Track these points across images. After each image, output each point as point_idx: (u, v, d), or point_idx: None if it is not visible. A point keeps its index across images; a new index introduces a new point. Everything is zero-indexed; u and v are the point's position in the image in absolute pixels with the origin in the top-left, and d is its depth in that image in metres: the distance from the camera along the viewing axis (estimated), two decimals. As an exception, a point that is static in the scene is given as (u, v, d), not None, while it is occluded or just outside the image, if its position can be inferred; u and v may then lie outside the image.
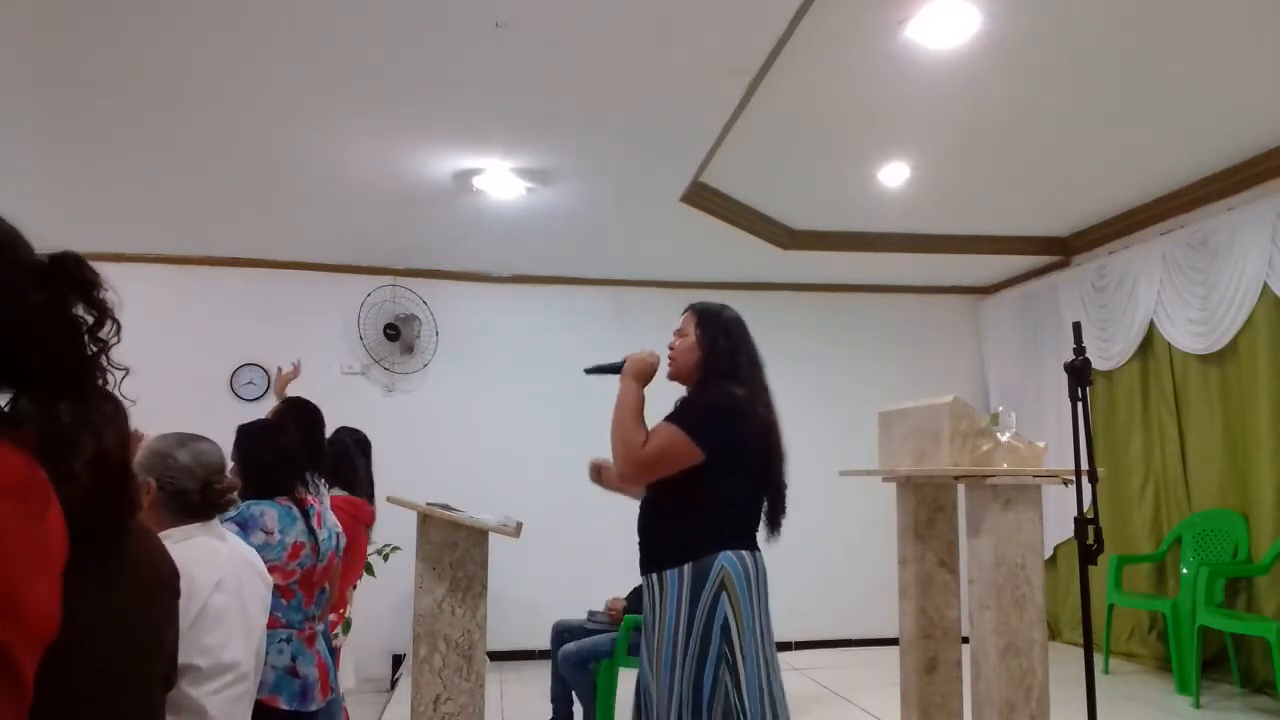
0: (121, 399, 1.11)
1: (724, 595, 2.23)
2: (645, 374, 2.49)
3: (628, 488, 2.57)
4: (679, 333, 2.54)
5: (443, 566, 2.88)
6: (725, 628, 2.22)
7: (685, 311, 2.57)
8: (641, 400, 2.45)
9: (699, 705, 2.19)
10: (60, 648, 1.16)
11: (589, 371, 2.64)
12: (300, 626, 2.39)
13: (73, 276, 1.03)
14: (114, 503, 1.32)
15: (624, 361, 2.51)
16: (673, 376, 2.54)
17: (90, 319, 1.03)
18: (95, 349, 1.03)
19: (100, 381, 1.05)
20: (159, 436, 1.96)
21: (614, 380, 2.55)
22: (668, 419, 2.39)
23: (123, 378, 1.08)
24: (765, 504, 2.49)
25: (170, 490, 1.89)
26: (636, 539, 2.46)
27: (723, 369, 2.43)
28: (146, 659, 1.39)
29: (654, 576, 2.34)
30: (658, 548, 2.38)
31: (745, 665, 2.23)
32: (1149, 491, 5.63)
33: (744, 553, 2.31)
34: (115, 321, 1.05)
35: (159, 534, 1.83)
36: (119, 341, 1.06)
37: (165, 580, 1.48)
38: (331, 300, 6.37)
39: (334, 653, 3.14)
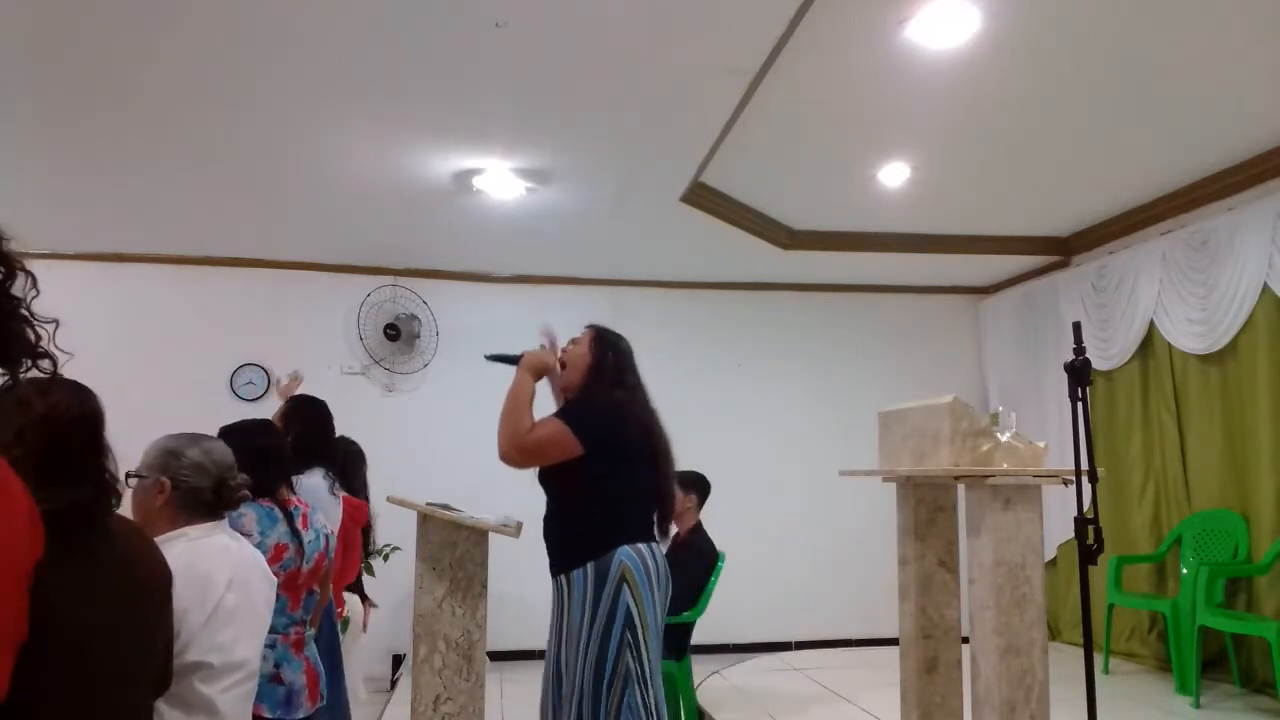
0: (55, 355, 1.03)
1: (625, 587, 2.44)
2: (539, 369, 2.70)
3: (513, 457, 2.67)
4: (574, 341, 2.76)
5: (443, 566, 2.88)
6: (628, 617, 2.43)
7: (586, 327, 2.80)
8: (532, 392, 2.65)
9: (599, 685, 2.39)
10: (43, 648, 1.14)
11: (489, 359, 2.85)
12: (285, 631, 2.35)
13: None
14: (86, 483, 1.27)
15: (522, 355, 2.72)
16: (561, 381, 2.75)
17: None
18: (11, 304, 0.97)
19: (30, 339, 0.98)
20: (167, 436, 1.96)
21: None
22: (554, 414, 2.61)
23: (54, 329, 1.02)
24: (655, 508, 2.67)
25: (185, 488, 1.89)
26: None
27: (608, 380, 2.65)
28: (135, 662, 1.36)
29: (562, 578, 2.57)
30: (562, 551, 2.59)
31: (649, 652, 2.44)
32: (1149, 491, 5.63)
33: (641, 546, 2.51)
34: (28, 274, 0.98)
35: (177, 531, 1.84)
36: (38, 295, 0.99)
37: (157, 582, 1.45)
38: (331, 300, 6.37)
39: (336, 652, 3.14)
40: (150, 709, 1.46)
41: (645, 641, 2.44)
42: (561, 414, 2.60)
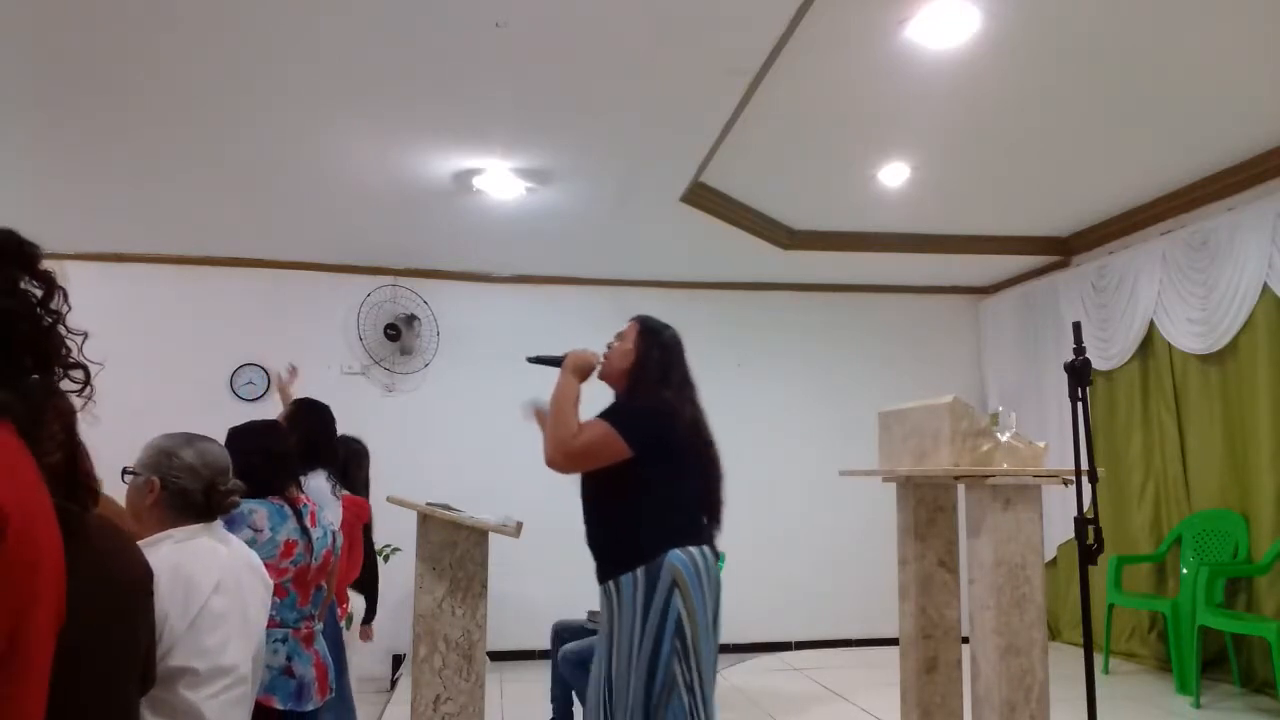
0: (82, 371, 1.07)
1: (676, 593, 2.33)
2: (584, 370, 2.60)
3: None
4: (619, 336, 2.65)
5: (443, 566, 2.88)
6: (678, 624, 2.32)
7: (630, 320, 2.68)
8: (578, 394, 2.55)
9: (649, 693, 2.30)
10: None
11: (531, 361, 2.73)
12: (296, 626, 2.39)
13: (13, 252, 1.00)
14: (71, 485, 1.29)
15: (565, 356, 2.62)
16: (603, 377, 2.64)
17: (38, 292, 1.00)
18: (50, 320, 1.01)
19: (64, 353, 1.03)
20: (164, 435, 1.95)
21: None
22: (600, 415, 2.48)
23: (83, 341, 1.05)
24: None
25: (173, 489, 1.87)
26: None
27: (653, 378, 2.54)
28: (120, 661, 1.35)
29: (610, 584, 2.44)
30: (610, 556, 2.48)
31: (699, 658, 2.35)
32: (1149, 491, 5.63)
33: (692, 549, 2.40)
34: (62, 290, 1.02)
35: (163, 534, 1.82)
36: (70, 309, 1.03)
37: (136, 579, 1.44)
38: (331, 300, 6.37)
39: (340, 648, 3.16)
40: (137, 705, 1.44)
41: (695, 649, 2.34)
42: (608, 415, 2.49)
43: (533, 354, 2.72)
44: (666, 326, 2.66)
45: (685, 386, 2.58)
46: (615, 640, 2.41)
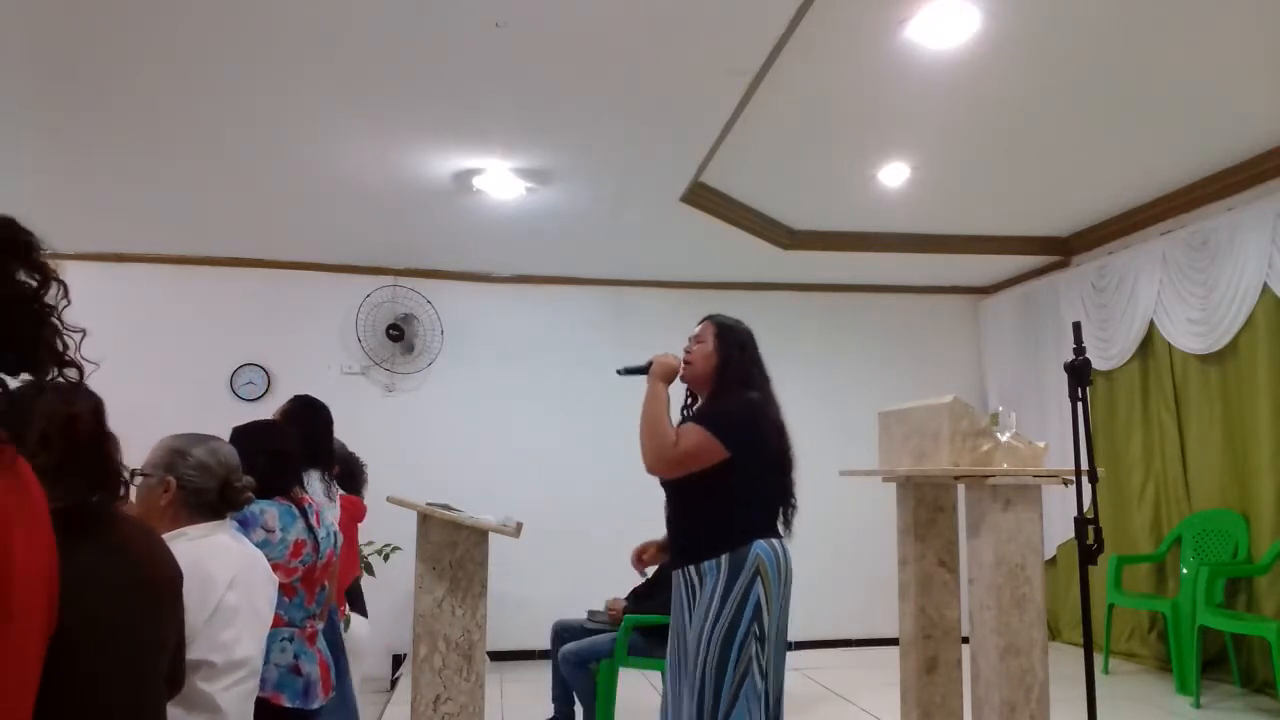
0: (81, 364, 1.02)
1: (758, 580, 2.46)
2: (670, 375, 2.69)
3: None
4: (696, 340, 2.73)
5: (443, 566, 2.88)
6: (757, 608, 2.44)
7: (703, 321, 2.76)
8: (668, 399, 2.64)
9: (722, 670, 2.40)
10: (56, 640, 1.14)
11: (621, 373, 2.82)
12: (302, 625, 2.41)
13: (9, 240, 0.96)
14: (93, 481, 1.28)
15: (650, 363, 2.70)
16: (687, 379, 2.73)
17: (34, 282, 0.96)
18: (44, 313, 0.97)
19: (59, 348, 0.98)
20: (173, 435, 1.99)
21: (618, 381, 2.78)
22: (694, 421, 2.60)
23: (81, 339, 1.01)
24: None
25: (190, 488, 1.91)
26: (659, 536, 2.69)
27: (739, 378, 2.64)
28: (147, 655, 1.37)
29: (691, 569, 2.54)
30: (694, 543, 2.57)
31: (771, 644, 2.47)
32: (1149, 491, 5.63)
33: (774, 541, 2.55)
34: (61, 283, 0.99)
35: (177, 531, 1.86)
36: (69, 304, 0.99)
37: (167, 578, 1.46)
38: (331, 300, 6.37)
39: (340, 649, 3.16)
40: (163, 704, 1.47)
41: (770, 635, 2.46)
42: (702, 420, 2.59)
43: (621, 366, 2.81)
44: (738, 323, 2.74)
45: (765, 381, 2.69)
46: (687, 623, 2.50)
